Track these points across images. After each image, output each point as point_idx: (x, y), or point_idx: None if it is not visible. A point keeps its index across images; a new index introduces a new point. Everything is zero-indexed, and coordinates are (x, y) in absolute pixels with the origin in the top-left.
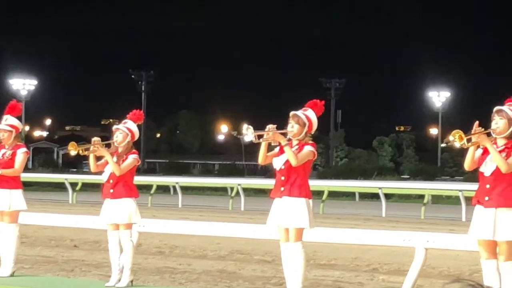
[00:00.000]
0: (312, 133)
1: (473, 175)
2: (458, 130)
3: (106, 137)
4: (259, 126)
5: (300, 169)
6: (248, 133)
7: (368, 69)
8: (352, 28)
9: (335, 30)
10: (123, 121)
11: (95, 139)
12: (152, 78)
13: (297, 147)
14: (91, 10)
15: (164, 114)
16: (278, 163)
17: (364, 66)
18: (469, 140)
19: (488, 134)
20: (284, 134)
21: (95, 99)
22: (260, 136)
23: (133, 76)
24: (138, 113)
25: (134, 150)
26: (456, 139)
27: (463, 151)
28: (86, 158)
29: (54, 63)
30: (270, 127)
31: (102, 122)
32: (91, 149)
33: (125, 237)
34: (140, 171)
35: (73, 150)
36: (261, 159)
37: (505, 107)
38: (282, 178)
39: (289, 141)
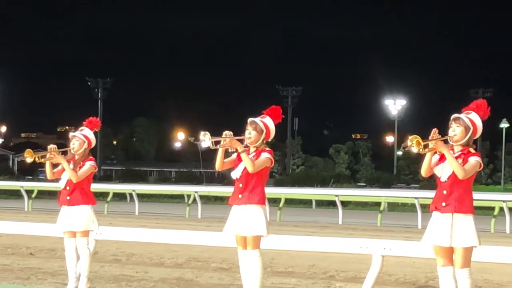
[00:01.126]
0: (270, 140)
1: (429, 183)
2: (415, 136)
3: (63, 144)
4: (216, 133)
5: (257, 176)
6: (205, 139)
7: (325, 77)
8: (309, 37)
9: (291, 39)
10: (80, 128)
11: (52, 146)
12: (109, 85)
13: (254, 154)
14: (48, 17)
15: (120, 121)
16: (236, 171)
17: (321, 74)
18: (426, 146)
19: (445, 141)
20: (241, 141)
21: (51, 106)
22: (217, 143)
23: (89, 83)
24: (95, 120)
25: (91, 157)
26: (413, 144)
27: (419, 159)
28: (42, 165)
29: (10, 70)
30: (227, 133)
31: (58, 129)
32: (47, 156)
33: (82, 244)
34: (96, 178)
35: (29, 157)
36: (218, 165)
37: (462, 115)
38: (240, 185)
39: (247, 148)
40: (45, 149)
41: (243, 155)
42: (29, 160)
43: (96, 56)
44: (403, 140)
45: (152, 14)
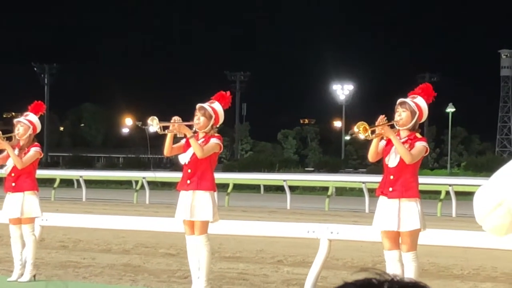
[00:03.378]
0: (218, 125)
1: (376, 168)
2: (362, 122)
3: (8, 130)
4: (165, 119)
5: (206, 162)
6: (153, 124)
7: (273, 62)
8: (256, 21)
9: (239, 24)
10: (25, 114)
11: None
12: (55, 71)
13: (203, 139)
14: None
15: (67, 107)
16: (185, 157)
17: (269, 59)
18: (373, 132)
19: (392, 126)
20: (190, 127)
21: None
22: (165, 128)
23: (35, 69)
24: (39, 104)
25: (36, 143)
26: (360, 130)
27: (366, 144)
28: None
29: None
30: (176, 118)
31: (4, 116)
32: None
33: (27, 231)
34: (43, 164)
35: None
36: (166, 151)
37: (408, 99)
38: (189, 171)
39: (195, 134)
40: None
41: (191, 141)
42: None
43: (43, 41)
44: (351, 125)
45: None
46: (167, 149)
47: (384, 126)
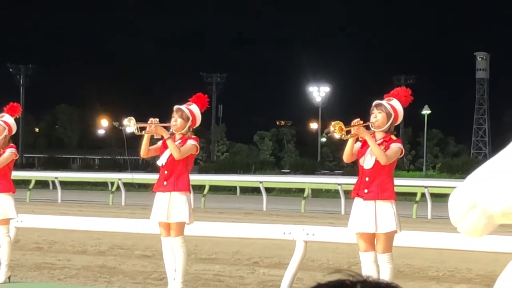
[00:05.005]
0: (196, 127)
1: (352, 169)
2: (338, 122)
3: None
4: (141, 120)
5: (182, 164)
6: (130, 125)
7: (250, 64)
8: (233, 23)
9: (215, 25)
10: (0, 115)
11: None
12: (31, 72)
13: (180, 141)
14: None
15: (43, 108)
16: (161, 158)
17: (245, 61)
18: (348, 132)
19: (367, 127)
20: (167, 128)
21: None
22: (142, 128)
23: (11, 70)
24: (15, 106)
25: (11, 144)
26: (336, 130)
27: (342, 146)
28: None
29: None
30: (153, 120)
31: None
32: None
33: (2, 232)
34: (18, 165)
35: None
36: (143, 152)
37: (384, 102)
38: (165, 172)
39: (172, 135)
40: None
41: (169, 142)
42: None
43: (18, 42)
44: (327, 127)
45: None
46: (144, 150)
47: (359, 127)
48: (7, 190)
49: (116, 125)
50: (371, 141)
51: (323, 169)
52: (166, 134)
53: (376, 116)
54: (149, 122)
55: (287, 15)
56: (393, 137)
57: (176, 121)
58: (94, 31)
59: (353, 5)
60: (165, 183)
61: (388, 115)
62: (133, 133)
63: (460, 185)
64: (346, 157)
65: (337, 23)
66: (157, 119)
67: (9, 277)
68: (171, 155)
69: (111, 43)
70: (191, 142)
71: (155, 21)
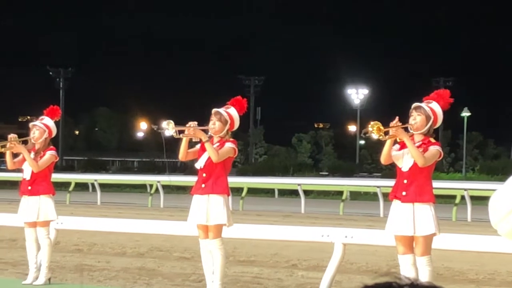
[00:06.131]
0: (234, 130)
1: (391, 172)
2: (376, 122)
3: (24, 134)
4: (180, 123)
5: (220, 166)
6: (168, 128)
7: (288, 66)
8: (272, 26)
9: (254, 28)
10: (40, 118)
11: (12, 135)
12: (70, 75)
13: (218, 144)
14: (8, 4)
15: (82, 111)
16: (200, 161)
17: (284, 63)
18: (386, 133)
19: (406, 129)
20: (205, 131)
21: (12, 96)
22: (181, 132)
23: (51, 73)
24: (55, 109)
25: (51, 147)
26: (374, 130)
27: (381, 148)
28: (2, 155)
29: None
30: (191, 123)
31: (20, 119)
32: (7, 146)
33: (42, 234)
34: (58, 168)
35: None
36: (181, 155)
37: (423, 104)
38: (204, 175)
39: (210, 138)
40: (5, 139)
41: (207, 145)
42: None
43: (58, 45)
44: (365, 127)
45: (115, 3)
46: (182, 153)
47: (398, 128)
48: (47, 192)
49: (155, 128)
50: (410, 142)
51: (362, 171)
52: (204, 137)
53: (415, 119)
54: (187, 125)
55: (326, 16)
56: (432, 140)
57: (214, 124)
58: (133, 34)
59: (391, 7)
60: (203, 185)
61: (428, 118)
62: (171, 136)
63: (500, 188)
64: (384, 158)
65: (376, 24)
66: (196, 123)
67: (49, 279)
68: (209, 158)
69: (151, 45)
70: (229, 145)
71: (191, 23)
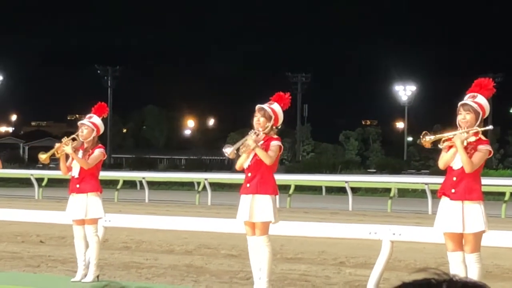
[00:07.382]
0: (278, 126)
1: (439, 169)
2: (426, 139)
3: (72, 133)
4: (226, 120)
5: (265, 165)
6: (228, 152)
7: (335, 64)
8: (318, 23)
9: (301, 25)
10: (88, 116)
11: (64, 139)
12: (118, 73)
13: (263, 141)
14: (58, 5)
15: (130, 109)
16: (247, 161)
17: (331, 60)
18: (436, 143)
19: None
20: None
21: (61, 95)
22: (238, 149)
23: (99, 71)
24: (102, 105)
25: (100, 145)
26: (425, 142)
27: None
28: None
29: (19, 59)
30: (243, 140)
31: (69, 118)
32: (60, 150)
33: (91, 232)
34: (106, 166)
35: (44, 159)
36: (238, 166)
37: (469, 101)
38: (249, 174)
39: (257, 136)
40: (54, 137)
41: (258, 151)
42: (43, 157)
43: (107, 44)
44: (413, 126)
45: (163, 2)
46: (240, 165)
47: (455, 136)
48: (95, 190)
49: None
50: (461, 150)
51: (410, 168)
52: (253, 145)
53: (465, 118)
54: (240, 142)
55: (373, 13)
56: (483, 138)
57: (258, 120)
58: (181, 33)
59: (439, 3)
60: (248, 185)
61: (476, 114)
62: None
63: None
64: (444, 165)
65: (424, 21)
66: (247, 137)
67: (97, 276)
68: (254, 157)
69: (198, 45)
70: (275, 144)
71: (239, 22)
